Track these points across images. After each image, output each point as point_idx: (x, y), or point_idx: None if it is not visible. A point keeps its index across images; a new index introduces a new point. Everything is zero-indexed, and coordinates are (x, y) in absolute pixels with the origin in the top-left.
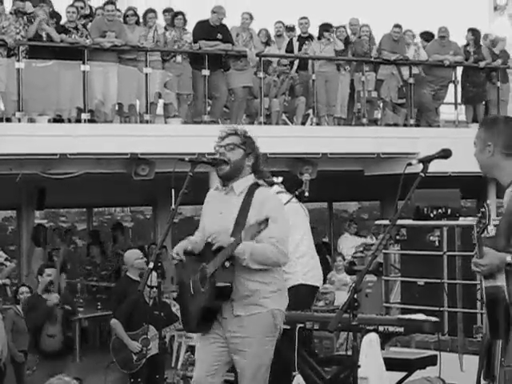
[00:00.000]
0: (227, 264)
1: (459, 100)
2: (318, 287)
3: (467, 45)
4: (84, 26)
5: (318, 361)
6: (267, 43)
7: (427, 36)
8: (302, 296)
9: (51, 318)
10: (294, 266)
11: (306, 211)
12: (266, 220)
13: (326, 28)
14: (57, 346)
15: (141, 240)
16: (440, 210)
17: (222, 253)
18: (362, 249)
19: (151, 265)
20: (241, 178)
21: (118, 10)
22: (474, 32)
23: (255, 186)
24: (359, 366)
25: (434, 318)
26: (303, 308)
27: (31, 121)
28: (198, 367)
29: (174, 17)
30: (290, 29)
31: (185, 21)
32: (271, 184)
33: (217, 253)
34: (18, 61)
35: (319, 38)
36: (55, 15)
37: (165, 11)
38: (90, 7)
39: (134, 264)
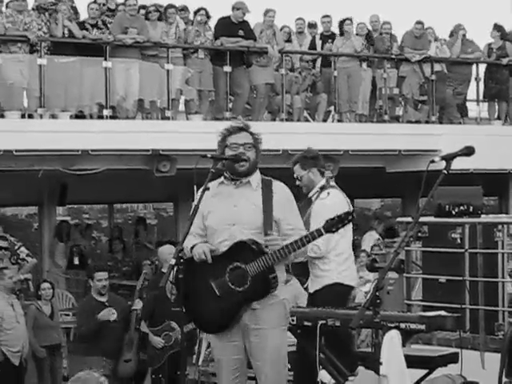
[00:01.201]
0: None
1: (481, 97)
2: (354, 287)
3: (490, 43)
4: (104, 22)
5: (351, 359)
6: (288, 40)
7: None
8: (337, 295)
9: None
10: (329, 264)
11: (350, 207)
12: (351, 213)
13: (345, 22)
14: (130, 371)
15: (165, 237)
16: (462, 208)
17: (268, 257)
18: (380, 244)
19: (173, 261)
20: (254, 174)
21: (143, 8)
22: (499, 28)
23: (268, 180)
24: (381, 363)
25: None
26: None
27: (53, 117)
28: (221, 370)
29: (196, 13)
30: (312, 25)
31: (207, 17)
32: (322, 174)
33: (255, 253)
34: (41, 57)
35: (341, 34)
36: (75, 11)
37: (181, 10)
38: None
39: (168, 259)
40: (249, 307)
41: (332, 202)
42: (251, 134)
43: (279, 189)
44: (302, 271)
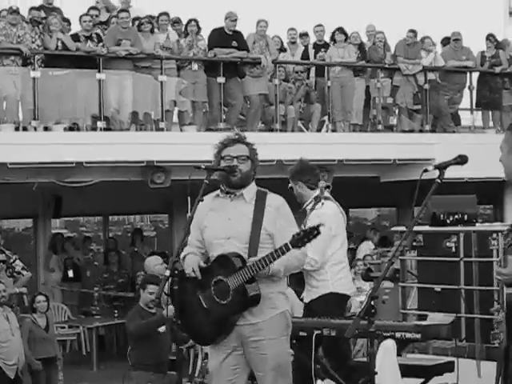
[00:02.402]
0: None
1: (475, 105)
2: (349, 296)
3: (483, 50)
4: (97, 35)
5: (347, 368)
6: (281, 49)
7: (446, 41)
8: (332, 305)
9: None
10: (325, 274)
11: (344, 217)
12: (317, 228)
13: (340, 31)
14: None
15: (164, 249)
16: (456, 216)
17: (247, 270)
18: (372, 254)
19: (167, 272)
20: (248, 186)
21: (137, 19)
22: (494, 38)
23: (262, 192)
24: (376, 373)
25: (450, 318)
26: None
27: (47, 129)
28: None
29: (187, 24)
30: (304, 35)
31: (198, 28)
32: (311, 188)
33: (237, 267)
34: (34, 69)
35: (334, 42)
36: (68, 23)
37: (174, 22)
38: (109, 15)
39: (154, 270)
40: (236, 319)
41: (325, 213)
42: (247, 145)
43: (273, 201)
44: (297, 282)
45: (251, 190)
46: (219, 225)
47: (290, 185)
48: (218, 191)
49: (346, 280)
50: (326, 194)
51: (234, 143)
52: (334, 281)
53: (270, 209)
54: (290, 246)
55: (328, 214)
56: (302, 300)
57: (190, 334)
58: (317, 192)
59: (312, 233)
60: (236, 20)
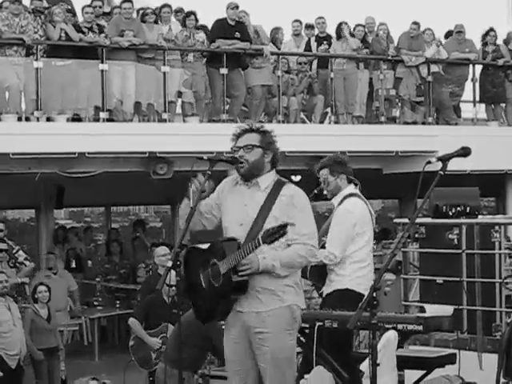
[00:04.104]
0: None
1: (478, 98)
2: (364, 295)
3: (485, 44)
4: (99, 26)
5: (349, 358)
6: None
7: (449, 35)
8: (346, 301)
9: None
10: (344, 270)
11: (373, 216)
12: (285, 226)
13: (341, 25)
14: None
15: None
16: (459, 208)
17: (236, 254)
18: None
19: (169, 263)
20: (263, 175)
21: (142, 9)
22: (495, 31)
23: (281, 182)
24: (378, 364)
25: (451, 308)
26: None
27: (50, 120)
28: (227, 367)
29: (186, 17)
30: (309, 27)
31: (196, 21)
32: (349, 181)
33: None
34: (37, 60)
35: (338, 38)
36: (73, 13)
37: (177, 12)
38: (112, 7)
39: (156, 261)
40: (229, 305)
41: (350, 210)
42: (259, 133)
43: (288, 191)
44: (319, 277)
45: (268, 179)
46: (235, 211)
47: (326, 178)
48: (240, 177)
49: (364, 279)
50: (355, 190)
51: (244, 133)
52: (352, 278)
53: (284, 198)
54: (261, 241)
55: (353, 211)
56: (321, 295)
57: (193, 308)
58: (351, 188)
59: (280, 230)
60: (236, 7)
